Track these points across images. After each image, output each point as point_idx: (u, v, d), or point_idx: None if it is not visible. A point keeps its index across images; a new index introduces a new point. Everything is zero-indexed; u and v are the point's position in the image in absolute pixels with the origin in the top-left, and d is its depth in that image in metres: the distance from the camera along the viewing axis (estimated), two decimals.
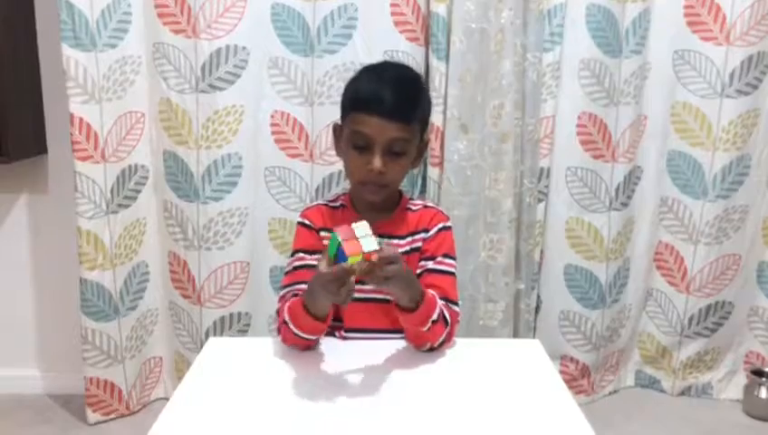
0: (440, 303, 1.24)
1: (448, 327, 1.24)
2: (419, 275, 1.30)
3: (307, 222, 1.36)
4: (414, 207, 1.38)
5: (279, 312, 1.28)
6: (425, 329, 1.20)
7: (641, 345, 2.48)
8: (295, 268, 1.33)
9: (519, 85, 2.07)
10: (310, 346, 1.24)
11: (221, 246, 2.14)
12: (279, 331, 1.26)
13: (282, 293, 1.32)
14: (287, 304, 1.24)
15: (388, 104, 1.23)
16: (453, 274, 1.33)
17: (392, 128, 1.24)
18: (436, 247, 1.33)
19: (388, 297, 1.29)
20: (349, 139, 1.29)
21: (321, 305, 1.17)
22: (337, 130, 1.36)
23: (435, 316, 1.20)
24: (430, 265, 1.32)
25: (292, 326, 1.20)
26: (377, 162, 1.24)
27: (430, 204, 1.44)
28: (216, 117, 2.06)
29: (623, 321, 2.40)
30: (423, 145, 1.36)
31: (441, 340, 1.23)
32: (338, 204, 1.39)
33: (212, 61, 2.02)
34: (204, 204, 2.11)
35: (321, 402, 1.05)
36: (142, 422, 2.21)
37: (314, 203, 1.44)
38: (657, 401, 2.41)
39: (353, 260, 1.03)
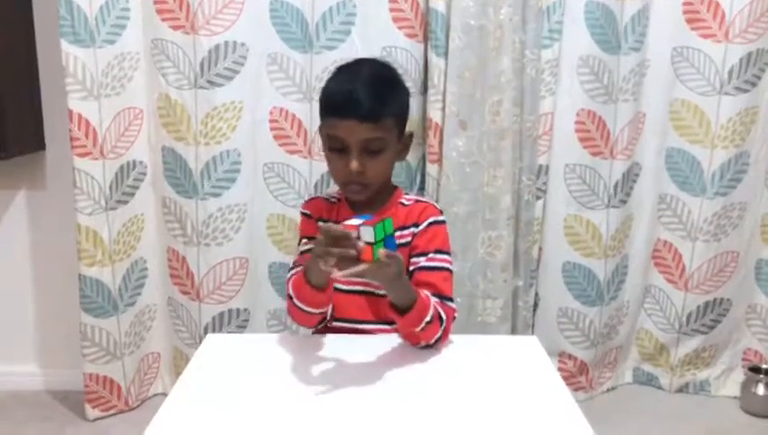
0: (434, 301, 1.23)
1: (443, 325, 1.23)
2: (411, 273, 1.31)
3: (308, 212, 1.43)
4: (407, 202, 1.39)
5: (287, 292, 1.33)
6: (418, 330, 1.20)
7: (639, 342, 2.48)
8: (302, 253, 1.36)
9: (518, 82, 2.07)
10: (315, 323, 1.30)
11: (220, 242, 2.14)
12: (288, 310, 1.32)
13: (288, 275, 1.36)
14: (291, 280, 1.29)
15: (355, 106, 1.24)
16: (446, 269, 1.33)
17: (363, 129, 1.24)
18: (426, 243, 1.33)
19: (374, 290, 1.32)
20: (326, 142, 1.31)
21: (317, 272, 1.19)
22: (320, 131, 1.37)
23: (429, 317, 1.20)
24: (422, 262, 1.31)
25: (295, 300, 1.26)
26: (353, 164, 1.26)
27: (423, 198, 1.44)
28: (215, 113, 2.06)
29: (621, 318, 2.41)
30: (408, 138, 1.36)
31: (437, 337, 1.23)
32: (335, 199, 1.43)
33: (211, 57, 2.01)
34: (203, 200, 2.11)
35: (319, 399, 1.06)
36: (141, 418, 2.21)
37: (316, 195, 1.50)
38: (654, 398, 2.42)
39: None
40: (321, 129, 1.35)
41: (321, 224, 1.14)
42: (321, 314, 1.28)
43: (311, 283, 1.21)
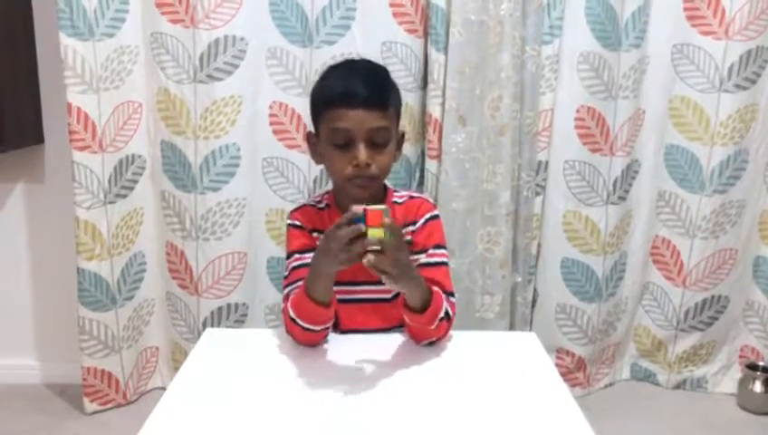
0: (444, 298, 1.24)
1: (450, 321, 1.24)
2: None
3: (297, 223, 1.35)
4: (399, 200, 1.37)
5: (285, 311, 1.25)
6: (433, 327, 1.20)
7: (637, 339, 2.49)
8: (294, 268, 1.31)
9: (518, 78, 2.07)
10: (319, 340, 1.23)
11: (218, 236, 2.14)
12: (288, 330, 1.24)
13: (284, 293, 1.30)
14: (290, 299, 1.23)
15: (361, 94, 1.21)
16: (446, 264, 1.32)
17: (371, 117, 1.22)
18: (425, 239, 1.32)
19: (379, 297, 1.31)
20: (328, 139, 1.25)
21: (324, 279, 1.16)
22: (311, 137, 1.32)
23: (442, 313, 1.20)
24: (423, 258, 1.31)
25: (299, 320, 1.19)
26: (362, 154, 1.21)
27: (415, 194, 1.42)
28: (214, 107, 2.05)
29: (619, 314, 2.41)
30: (400, 137, 1.33)
31: (442, 334, 1.24)
32: (323, 204, 1.37)
33: (210, 51, 2.01)
34: (201, 194, 2.11)
35: (317, 394, 1.06)
36: (139, 412, 2.22)
37: (300, 204, 1.42)
38: (652, 395, 2.42)
39: (374, 233, 1.05)
40: (318, 128, 1.29)
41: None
42: (324, 330, 1.22)
43: (314, 299, 1.17)
